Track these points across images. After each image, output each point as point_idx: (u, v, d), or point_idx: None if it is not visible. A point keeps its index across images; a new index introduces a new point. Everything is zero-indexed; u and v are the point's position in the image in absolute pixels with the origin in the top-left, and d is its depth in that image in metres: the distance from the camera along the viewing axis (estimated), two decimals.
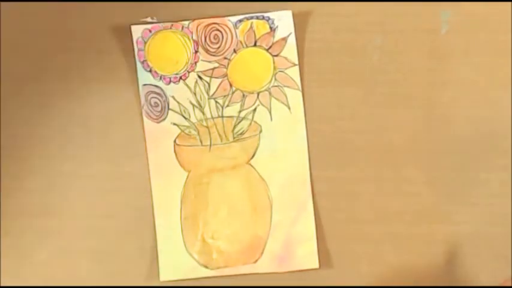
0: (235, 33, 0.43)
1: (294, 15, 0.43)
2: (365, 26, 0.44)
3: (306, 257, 0.44)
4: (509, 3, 0.43)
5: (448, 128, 0.44)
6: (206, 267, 0.44)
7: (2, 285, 0.41)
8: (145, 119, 0.43)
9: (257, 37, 0.43)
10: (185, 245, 0.44)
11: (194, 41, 0.43)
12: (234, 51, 0.43)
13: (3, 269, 0.44)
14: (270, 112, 0.44)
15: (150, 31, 0.43)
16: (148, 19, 0.44)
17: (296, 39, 0.43)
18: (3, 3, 0.44)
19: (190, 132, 0.44)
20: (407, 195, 0.44)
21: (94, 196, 0.44)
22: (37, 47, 0.44)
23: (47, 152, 0.44)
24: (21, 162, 0.44)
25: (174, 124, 0.44)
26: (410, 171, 0.44)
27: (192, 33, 0.43)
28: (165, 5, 0.43)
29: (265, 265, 0.44)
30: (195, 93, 0.43)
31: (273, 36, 0.43)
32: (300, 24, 0.43)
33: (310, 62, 0.44)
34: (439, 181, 0.44)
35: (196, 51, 0.43)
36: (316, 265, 0.44)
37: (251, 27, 0.43)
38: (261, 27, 0.43)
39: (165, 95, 0.43)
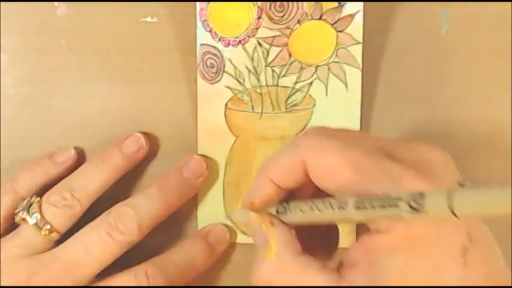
0: (302, 4, 0.42)
1: None
2: (365, 26, 0.44)
3: None
4: (509, 3, 0.43)
5: (448, 128, 0.44)
6: (244, 233, 0.44)
7: (2, 285, 0.41)
8: (199, 78, 0.43)
9: (323, 11, 0.42)
10: (225, 209, 0.44)
11: (259, 7, 0.42)
12: (298, 22, 0.42)
13: None
14: (327, 87, 0.43)
15: None
16: (148, 19, 0.44)
17: (363, 18, 0.42)
18: (3, 3, 0.44)
19: (243, 97, 0.43)
20: None
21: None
22: (40, 46, 0.44)
23: (47, 152, 0.44)
24: (21, 162, 0.44)
25: (228, 87, 0.43)
26: None
27: None
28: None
29: None
30: (252, 59, 0.43)
31: (340, 12, 0.42)
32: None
33: None
34: None
35: (259, 17, 0.42)
36: None
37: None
38: (329, 2, 0.42)
39: (222, 57, 0.43)
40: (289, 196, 0.34)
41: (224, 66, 0.43)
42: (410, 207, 0.28)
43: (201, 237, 0.43)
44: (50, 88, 0.44)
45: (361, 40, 0.42)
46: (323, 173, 0.32)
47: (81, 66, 0.44)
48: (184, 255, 0.41)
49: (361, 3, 0.42)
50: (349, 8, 0.42)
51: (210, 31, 0.42)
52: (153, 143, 0.44)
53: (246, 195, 0.35)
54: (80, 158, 0.44)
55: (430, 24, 0.43)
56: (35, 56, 0.44)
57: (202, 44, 0.43)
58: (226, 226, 0.44)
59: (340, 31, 0.42)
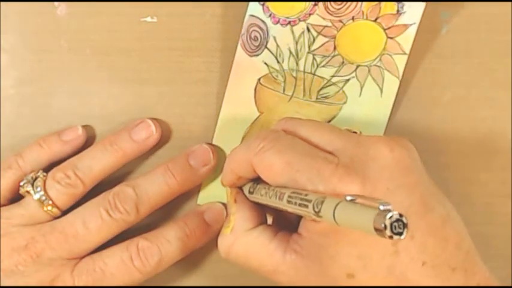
0: (361, 2, 0.42)
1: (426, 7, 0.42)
2: None
3: None
4: (509, 3, 0.43)
5: (448, 128, 0.44)
6: None
7: (2, 285, 0.41)
8: (239, 48, 0.42)
9: (380, 14, 0.42)
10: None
11: None
12: (352, 18, 0.42)
13: None
14: (362, 88, 0.43)
15: None
16: (148, 19, 0.44)
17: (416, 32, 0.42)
18: (3, 3, 0.44)
19: (277, 76, 0.43)
20: None
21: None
22: (40, 46, 0.44)
23: None
24: None
25: (265, 63, 0.43)
26: None
27: None
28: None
29: None
30: (297, 42, 0.42)
31: (396, 19, 0.42)
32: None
33: None
34: (439, 181, 0.44)
35: (315, 4, 0.42)
36: None
37: (379, 3, 0.42)
38: (389, 7, 0.42)
39: (267, 32, 0.42)
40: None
41: (267, 42, 0.42)
42: (314, 210, 0.32)
43: (197, 214, 0.43)
44: (50, 88, 0.44)
45: (408, 51, 0.42)
46: (265, 172, 0.36)
47: (81, 66, 0.44)
48: (178, 231, 0.41)
49: (418, 17, 0.41)
50: (407, 17, 0.42)
51: (263, 5, 0.42)
52: (164, 130, 0.44)
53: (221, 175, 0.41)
54: (89, 140, 0.44)
55: (430, 24, 0.43)
56: (35, 56, 0.44)
57: (251, 15, 0.42)
58: (224, 205, 0.43)
59: (391, 38, 0.42)
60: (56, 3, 0.44)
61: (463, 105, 0.44)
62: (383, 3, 0.42)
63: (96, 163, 0.41)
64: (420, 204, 0.34)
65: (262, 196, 0.37)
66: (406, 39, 0.42)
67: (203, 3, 0.44)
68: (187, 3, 0.44)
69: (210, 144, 0.43)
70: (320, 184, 0.34)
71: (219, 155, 0.43)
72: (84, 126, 0.44)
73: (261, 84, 0.43)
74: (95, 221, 0.40)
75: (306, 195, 0.33)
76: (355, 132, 0.39)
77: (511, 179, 0.44)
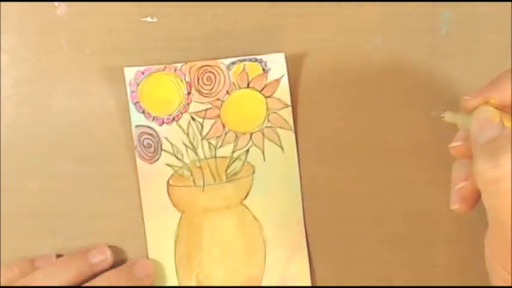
0: (228, 75, 0.43)
1: (287, 58, 0.43)
2: (365, 26, 0.44)
3: (298, 283, 0.44)
4: (509, 3, 0.43)
5: (448, 128, 0.44)
6: None
7: (2, 285, 0.41)
8: (138, 160, 0.43)
9: (250, 79, 0.43)
10: (180, 285, 0.44)
11: (187, 82, 0.43)
12: (227, 92, 0.43)
13: None
14: (263, 152, 0.44)
15: (142, 73, 0.43)
16: (148, 19, 0.44)
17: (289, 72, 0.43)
18: (3, 3, 0.44)
19: (183, 172, 0.44)
20: (408, 195, 0.44)
21: (94, 196, 0.44)
22: (40, 46, 0.44)
23: (47, 152, 0.44)
24: (21, 162, 0.44)
25: (167, 165, 0.43)
26: (411, 171, 0.44)
27: (184, 75, 0.43)
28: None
29: None
30: (188, 134, 0.43)
31: (266, 78, 0.43)
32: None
33: (309, 63, 0.44)
34: (439, 181, 0.44)
35: (189, 93, 0.43)
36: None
37: (244, 69, 0.43)
38: (254, 69, 0.43)
39: (158, 136, 0.43)
40: None
41: (161, 145, 0.43)
42: None
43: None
44: (50, 88, 0.44)
45: (289, 103, 0.43)
46: None
47: (81, 66, 0.44)
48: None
49: (284, 68, 0.43)
50: (274, 73, 0.43)
51: (143, 112, 0.43)
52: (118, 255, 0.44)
53: (478, 94, 0.36)
54: None
55: (430, 24, 0.44)
56: (35, 56, 0.44)
57: (137, 126, 0.43)
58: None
59: (269, 96, 0.43)
60: (56, 3, 0.44)
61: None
62: (247, 68, 0.43)
63: (50, 281, 0.42)
64: None
65: None
66: (283, 93, 0.43)
67: (203, 3, 0.44)
68: (187, 3, 0.44)
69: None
70: None
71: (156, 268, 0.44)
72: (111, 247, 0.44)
73: (171, 185, 0.44)
74: None
75: None
76: None
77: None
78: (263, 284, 0.44)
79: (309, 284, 0.44)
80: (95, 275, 0.42)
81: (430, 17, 0.44)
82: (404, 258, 0.44)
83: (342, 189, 0.44)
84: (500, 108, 0.35)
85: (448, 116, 0.38)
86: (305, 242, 0.44)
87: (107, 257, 0.43)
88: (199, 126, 0.43)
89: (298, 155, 0.44)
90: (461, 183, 0.36)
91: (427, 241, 0.44)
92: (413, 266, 0.44)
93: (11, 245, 0.44)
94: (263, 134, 0.44)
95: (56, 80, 0.44)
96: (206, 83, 0.43)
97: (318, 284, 0.44)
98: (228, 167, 0.44)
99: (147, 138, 0.43)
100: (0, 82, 0.44)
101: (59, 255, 0.44)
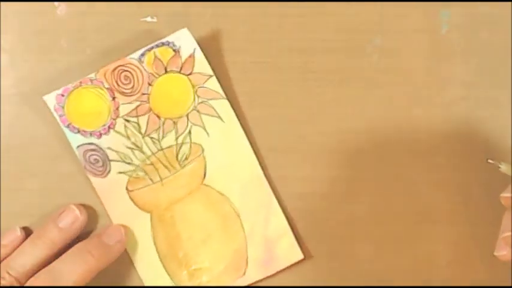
0: (143, 68, 0.43)
1: (190, 31, 0.43)
2: (365, 26, 0.44)
3: (289, 252, 0.44)
4: (509, 3, 0.43)
5: (448, 128, 0.44)
6: None
7: (2, 285, 0.41)
8: (91, 177, 0.43)
9: (165, 63, 0.43)
10: (173, 281, 0.44)
11: (107, 88, 0.43)
12: (149, 84, 0.43)
13: None
14: (205, 129, 0.44)
15: (62, 95, 0.43)
16: (148, 19, 0.44)
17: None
18: (3, 3, 0.44)
19: (138, 174, 0.44)
20: (408, 195, 0.44)
21: (94, 196, 0.44)
22: (40, 46, 0.44)
23: (47, 152, 0.44)
24: (21, 162, 0.44)
25: (120, 173, 0.44)
26: (411, 171, 0.44)
27: (102, 82, 0.43)
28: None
29: (253, 274, 0.44)
30: (128, 137, 0.43)
31: (180, 57, 0.43)
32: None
33: (310, 62, 0.44)
34: (439, 181, 0.44)
35: (114, 98, 0.43)
36: (300, 256, 0.44)
37: (155, 56, 0.43)
38: (165, 53, 0.43)
39: (101, 149, 0.43)
40: None
41: (108, 156, 0.43)
42: None
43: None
44: (50, 88, 0.44)
45: (211, 73, 0.43)
46: None
47: (81, 66, 0.44)
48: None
49: (193, 42, 0.42)
50: (185, 50, 0.43)
51: (79, 131, 0.43)
52: (90, 213, 0.44)
53: None
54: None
55: (430, 24, 0.44)
56: (35, 56, 0.44)
57: (78, 146, 0.43)
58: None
59: (189, 74, 0.43)
60: (56, 3, 0.44)
61: (463, 105, 0.44)
62: (159, 54, 0.42)
63: (28, 259, 0.42)
64: None
65: None
66: (202, 65, 0.43)
67: (203, 3, 0.44)
68: (187, 3, 0.44)
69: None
70: None
71: (128, 233, 0.44)
72: (24, 228, 0.44)
73: (131, 191, 0.44)
74: None
75: None
76: None
77: (511, 179, 0.44)
78: (249, 254, 0.44)
79: (293, 238, 0.44)
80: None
81: (430, 17, 0.44)
82: (404, 258, 0.44)
83: (342, 189, 0.44)
84: None
85: (504, 168, 0.40)
86: (274, 199, 0.44)
87: (78, 216, 0.43)
88: (136, 126, 0.43)
89: (242, 126, 0.44)
90: (509, 233, 0.38)
91: (427, 241, 0.44)
92: (413, 266, 0.44)
93: None
94: (198, 111, 0.43)
95: (56, 80, 0.44)
96: (125, 82, 0.43)
97: (317, 279, 0.44)
98: (177, 154, 0.44)
99: (93, 155, 0.43)
100: (0, 82, 0.44)
101: (25, 227, 0.44)
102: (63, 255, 0.42)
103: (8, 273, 0.41)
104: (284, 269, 0.44)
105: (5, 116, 0.44)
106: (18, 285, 0.41)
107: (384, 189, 0.44)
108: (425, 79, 0.44)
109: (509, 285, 0.43)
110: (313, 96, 0.44)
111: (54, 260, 0.42)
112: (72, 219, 0.43)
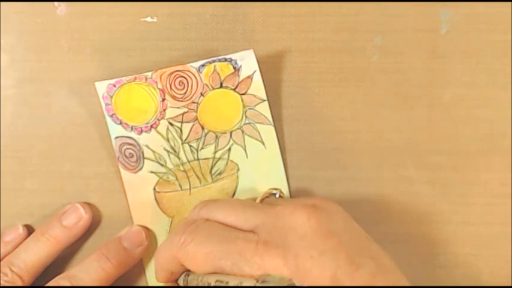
0: (200, 77, 0.43)
1: (256, 54, 0.42)
2: (365, 26, 0.44)
3: None
4: (509, 3, 0.43)
5: (448, 128, 0.44)
6: None
7: (3, 285, 0.41)
8: (122, 170, 0.43)
9: (222, 78, 0.43)
10: None
11: (160, 89, 0.43)
12: (201, 94, 0.43)
13: None
14: (245, 150, 0.44)
15: (114, 85, 0.42)
16: (148, 19, 0.44)
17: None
18: (3, 3, 0.44)
19: (168, 178, 0.43)
20: (407, 195, 0.44)
21: (94, 196, 0.44)
22: (40, 46, 0.44)
23: (47, 152, 0.44)
24: (21, 162, 0.44)
25: (152, 172, 0.43)
26: (410, 171, 0.44)
27: (156, 82, 0.43)
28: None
29: None
30: (168, 140, 0.43)
31: (238, 76, 0.43)
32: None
33: (311, 62, 0.44)
34: (439, 181, 0.44)
35: (163, 99, 0.43)
36: None
37: (215, 69, 0.42)
38: (225, 69, 0.43)
39: (138, 144, 0.43)
40: None
41: (143, 153, 0.43)
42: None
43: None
44: (50, 88, 0.44)
45: (265, 97, 0.43)
46: (192, 264, 0.36)
47: (81, 66, 0.44)
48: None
49: (255, 64, 0.43)
50: (246, 70, 0.43)
51: (121, 123, 0.43)
52: (95, 212, 0.44)
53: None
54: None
55: (430, 24, 0.44)
56: (35, 56, 0.44)
57: (116, 137, 0.43)
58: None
59: (243, 94, 0.43)
60: (56, 3, 0.44)
61: (463, 105, 0.44)
62: (218, 68, 0.42)
63: (31, 256, 0.41)
64: (347, 264, 0.34)
65: (194, 286, 0.38)
66: (257, 88, 0.43)
67: (203, 3, 0.44)
68: (187, 3, 0.44)
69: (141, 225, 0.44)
70: (245, 266, 0.34)
71: (151, 236, 0.44)
72: (26, 225, 0.44)
73: (158, 192, 0.44)
74: None
75: (227, 282, 0.34)
76: (275, 194, 0.42)
77: (511, 179, 0.44)
78: None
79: None
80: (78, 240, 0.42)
81: (430, 17, 0.44)
82: (404, 258, 0.44)
83: (342, 189, 0.44)
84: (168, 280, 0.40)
85: None
86: None
87: (82, 215, 0.43)
88: (178, 131, 0.43)
89: (281, 151, 0.44)
90: None
91: (427, 241, 0.44)
92: (413, 266, 0.44)
93: None
94: (243, 132, 0.44)
95: (56, 80, 0.44)
96: (179, 87, 0.43)
97: None
98: (211, 167, 0.44)
99: (128, 148, 0.43)
100: (0, 82, 0.44)
101: (26, 225, 0.44)
102: (83, 262, 0.41)
103: (10, 269, 0.41)
104: None
105: (5, 116, 0.44)
106: (20, 281, 0.41)
107: (384, 189, 0.44)
108: (425, 79, 0.44)
109: (509, 285, 0.43)
110: (313, 96, 0.44)
111: (55, 257, 0.42)
112: (76, 217, 0.43)
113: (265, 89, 0.43)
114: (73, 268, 0.41)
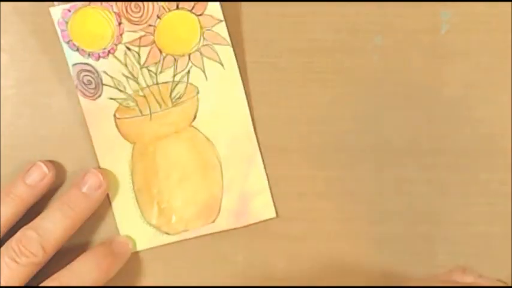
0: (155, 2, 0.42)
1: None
2: (365, 26, 0.44)
3: (262, 208, 0.44)
4: (509, 3, 0.43)
5: (448, 128, 0.44)
6: (167, 233, 0.44)
7: (3, 285, 0.41)
8: (81, 98, 0.43)
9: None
10: (143, 215, 0.44)
11: (116, 13, 0.42)
12: (158, 17, 0.42)
13: None
14: (204, 72, 0.43)
15: (69, 10, 0.42)
16: None
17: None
18: (3, 3, 0.44)
19: (128, 104, 0.43)
20: (407, 195, 0.44)
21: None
22: (40, 46, 0.44)
23: (47, 152, 0.44)
24: (21, 162, 0.44)
25: (111, 99, 0.43)
26: (410, 171, 0.44)
27: (111, 6, 0.42)
28: None
29: (223, 223, 0.44)
30: (126, 65, 0.43)
31: None
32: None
33: (311, 62, 0.44)
34: (439, 181, 0.44)
35: (120, 23, 0.42)
36: (273, 214, 0.44)
37: None
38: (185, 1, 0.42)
39: (96, 71, 0.43)
40: None
41: (101, 80, 0.43)
42: None
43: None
44: (50, 88, 0.44)
45: (222, 18, 0.43)
46: None
47: None
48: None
49: None
50: None
51: (77, 49, 0.43)
52: (59, 169, 0.44)
53: None
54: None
55: (430, 24, 0.44)
56: (35, 56, 0.44)
57: (74, 64, 0.43)
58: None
59: (200, 15, 0.43)
60: (56, 3, 0.44)
61: (463, 105, 0.44)
62: None
63: None
64: None
65: None
66: (214, 8, 0.42)
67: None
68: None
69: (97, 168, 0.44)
70: None
71: (109, 176, 0.44)
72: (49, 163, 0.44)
73: (118, 118, 0.43)
74: (3, 271, 0.40)
75: None
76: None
77: (511, 179, 0.44)
78: (223, 203, 0.44)
79: (269, 196, 0.44)
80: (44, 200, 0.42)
81: (430, 17, 0.44)
82: (404, 258, 0.44)
83: (342, 189, 0.44)
84: None
85: None
86: (259, 155, 0.44)
87: (46, 172, 0.43)
88: (136, 55, 0.43)
89: (240, 72, 0.43)
90: None
91: (427, 241, 0.44)
92: (413, 266, 0.44)
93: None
94: (201, 53, 0.43)
95: (56, 80, 0.44)
96: (135, 10, 0.42)
97: (317, 280, 0.44)
98: (171, 91, 0.43)
99: (87, 75, 0.43)
100: (0, 82, 0.44)
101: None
102: (44, 212, 0.42)
103: None
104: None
105: (5, 116, 0.44)
106: None
107: (383, 189, 0.44)
108: (425, 79, 0.44)
109: (509, 285, 0.43)
110: (313, 96, 0.44)
111: (21, 216, 0.42)
112: (39, 175, 0.43)
113: (222, 10, 0.43)
114: (36, 219, 0.41)
